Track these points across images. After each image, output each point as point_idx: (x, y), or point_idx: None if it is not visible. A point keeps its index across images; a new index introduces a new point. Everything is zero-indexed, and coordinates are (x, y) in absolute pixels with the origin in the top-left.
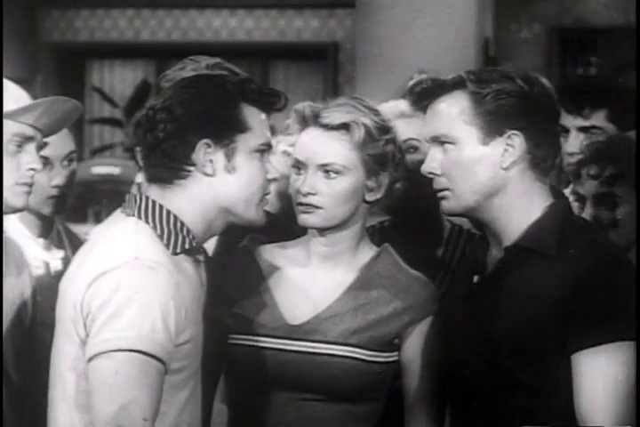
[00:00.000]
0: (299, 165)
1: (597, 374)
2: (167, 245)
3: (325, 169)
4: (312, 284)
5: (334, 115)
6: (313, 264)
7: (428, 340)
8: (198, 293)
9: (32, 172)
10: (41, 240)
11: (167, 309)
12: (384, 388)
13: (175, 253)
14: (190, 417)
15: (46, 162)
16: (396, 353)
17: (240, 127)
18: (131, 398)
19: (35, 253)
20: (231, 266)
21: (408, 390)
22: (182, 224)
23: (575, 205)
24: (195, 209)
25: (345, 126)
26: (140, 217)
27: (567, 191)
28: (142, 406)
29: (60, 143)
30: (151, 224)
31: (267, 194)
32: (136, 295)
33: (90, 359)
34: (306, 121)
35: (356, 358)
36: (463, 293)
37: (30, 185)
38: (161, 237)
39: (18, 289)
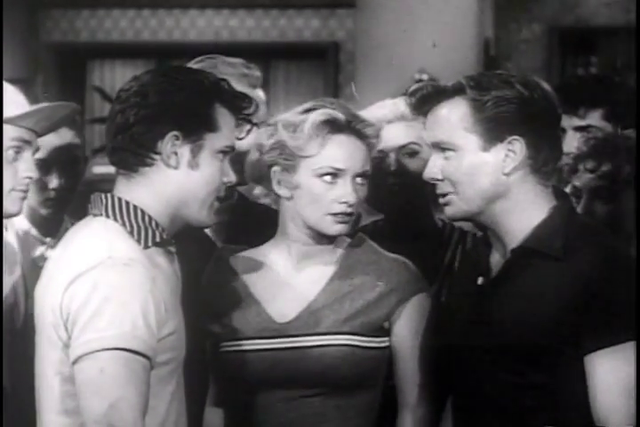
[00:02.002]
0: (335, 172)
1: (613, 374)
2: (138, 241)
3: (363, 176)
4: (295, 281)
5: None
6: (294, 263)
7: (418, 320)
8: (175, 285)
9: (28, 180)
10: (48, 239)
11: (146, 304)
12: (381, 376)
13: (147, 247)
14: (177, 411)
15: (45, 164)
16: (388, 338)
17: (210, 126)
18: (119, 397)
19: (40, 251)
20: (209, 278)
21: (401, 375)
22: (150, 218)
23: (572, 200)
24: (158, 201)
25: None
26: (107, 216)
27: (566, 191)
28: (131, 404)
29: None
30: (120, 222)
31: (219, 197)
32: (114, 294)
33: (75, 362)
34: (338, 127)
35: (352, 345)
36: (467, 294)
37: (26, 191)
38: (131, 233)
39: (9, 288)
